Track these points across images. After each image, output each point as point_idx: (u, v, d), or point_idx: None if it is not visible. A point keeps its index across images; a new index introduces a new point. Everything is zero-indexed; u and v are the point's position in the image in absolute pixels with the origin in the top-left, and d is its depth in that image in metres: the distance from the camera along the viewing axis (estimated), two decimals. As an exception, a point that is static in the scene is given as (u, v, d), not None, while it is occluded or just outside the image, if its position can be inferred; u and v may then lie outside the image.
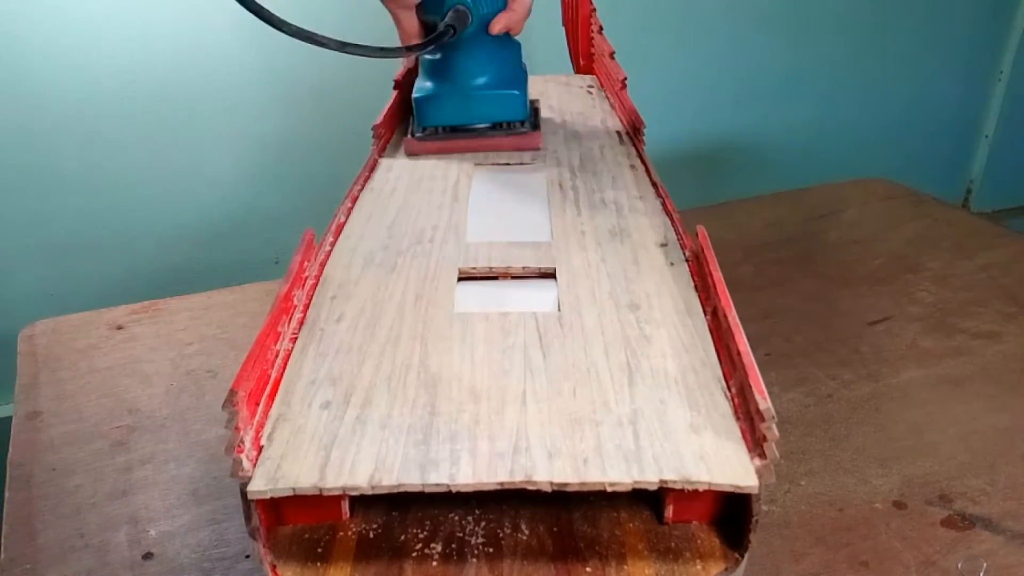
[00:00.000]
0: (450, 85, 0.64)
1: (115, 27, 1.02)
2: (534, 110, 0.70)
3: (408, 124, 0.68)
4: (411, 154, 0.64)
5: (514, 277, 0.48)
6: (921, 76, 1.58)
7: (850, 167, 1.12)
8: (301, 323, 0.42)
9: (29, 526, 0.50)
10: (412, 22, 0.61)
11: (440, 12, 0.60)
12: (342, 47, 0.52)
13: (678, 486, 0.32)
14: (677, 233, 0.51)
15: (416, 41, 0.62)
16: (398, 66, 0.76)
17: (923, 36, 1.54)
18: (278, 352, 0.39)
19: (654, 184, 0.58)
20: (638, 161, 0.62)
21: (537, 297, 0.45)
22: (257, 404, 0.35)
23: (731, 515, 0.35)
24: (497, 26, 0.62)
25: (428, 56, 0.65)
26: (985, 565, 0.46)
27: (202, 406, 0.61)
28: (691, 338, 0.41)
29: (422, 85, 0.65)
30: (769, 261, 0.81)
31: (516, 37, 0.66)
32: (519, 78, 0.66)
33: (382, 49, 0.55)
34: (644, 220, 0.53)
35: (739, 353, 0.36)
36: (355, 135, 0.73)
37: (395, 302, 0.44)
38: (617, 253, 0.49)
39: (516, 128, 0.65)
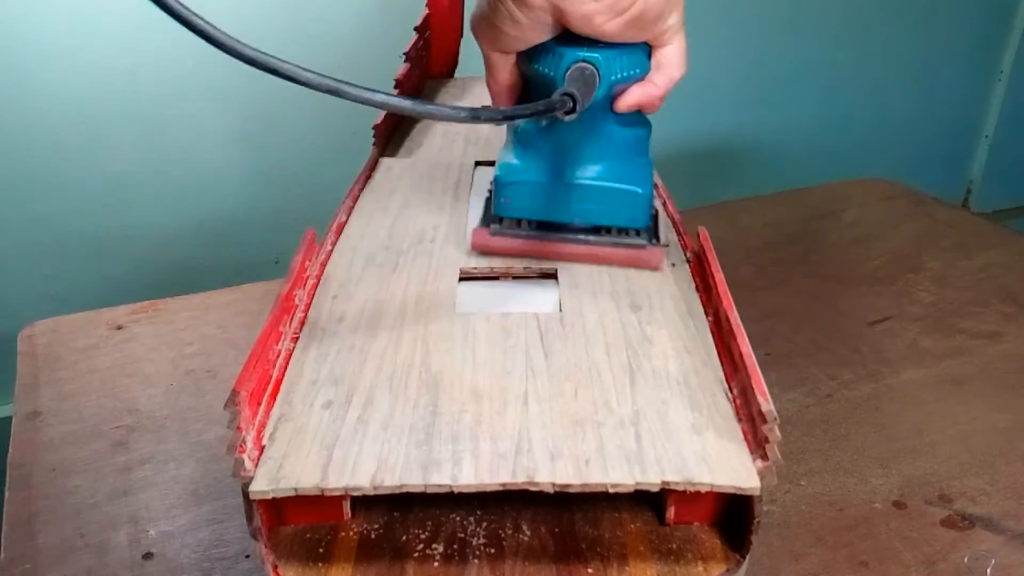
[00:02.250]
0: (550, 168, 0.48)
1: (115, 27, 1.02)
2: (655, 215, 0.51)
3: (406, 125, 0.67)
4: (481, 251, 0.49)
5: (515, 277, 0.48)
6: (921, 76, 1.58)
7: (850, 167, 1.12)
8: (302, 323, 0.42)
9: (29, 526, 0.50)
10: (507, 71, 0.45)
11: (553, 67, 0.42)
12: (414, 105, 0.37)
13: (680, 487, 0.32)
14: (678, 234, 0.51)
15: (506, 96, 0.46)
16: (398, 65, 0.75)
17: (923, 36, 1.54)
18: (280, 352, 0.39)
19: (654, 184, 0.58)
20: (639, 161, 0.62)
21: (538, 297, 0.45)
22: (259, 404, 0.35)
23: (733, 516, 0.35)
24: (627, 101, 0.45)
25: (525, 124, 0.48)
26: (993, 561, 0.46)
27: (202, 406, 0.61)
28: (693, 339, 0.41)
29: (507, 159, 0.49)
30: (769, 261, 0.81)
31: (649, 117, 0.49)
32: (645, 172, 0.49)
33: (454, 109, 0.37)
34: (645, 220, 0.53)
35: (741, 354, 0.36)
36: (355, 135, 0.73)
37: (396, 302, 0.44)
38: (618, 253, 0.49)
39: (629, 237, 0.48)
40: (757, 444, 0.33)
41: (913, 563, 0.47)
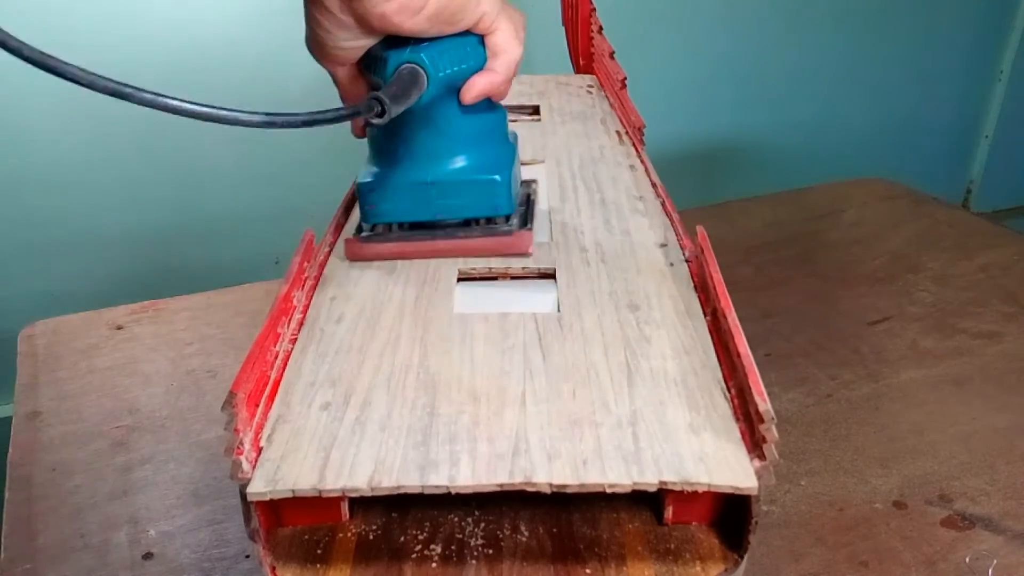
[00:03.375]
0: (406, 170, 0.47)
1: (115, 26, 1.02)
2: (526, 198, 0.52)
3: None
4: (353, 259, 0.49)
5: (513, 278, 0.48)
6: (921, 76, 1.58)
7: (850, 167, 1.12)
8: (301, 324, 0.42)
9: (29, 526, 0.50)
10: (352, 82, 0.46)
11: (381, 72, 0.43)
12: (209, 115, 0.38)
13: (678, 487, 0.32)
14: (677, 233, 0.51)
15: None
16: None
17: (923, 36, 1.54)
18: (278, 353, 0.39)
19: (654, 184, 0.58)
20: (638, 161, 0.62)
21: (537, 298, 0.45)
22: (256, 405, 0.35)
23: (731, 516, 0.35)
24: (471, 93, 0.45)
25: (376, 128, 0.47)
26: (995, 561, 0.46)
27: (202, 406, 0.61)
28: (691, 339, 0.41)
29: (368, 168, 0.49)
30: (769, 261, 0.81)
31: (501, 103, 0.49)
32: (503, 159, 0.49)
33: (250, 114, 0.37)
34: (644, 220, 0.53)
35: (739, 354, 0.36)
36: (355, 136, 0.73)
37: (395, 303, 0.44)
38: (617, 254, 0.49)
39: (498, 226, 0.48)
40: (754, 444, 0.33)
41: (913, 563, 0.47)
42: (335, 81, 0.46)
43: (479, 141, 0.48)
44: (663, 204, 0.55)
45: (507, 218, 0.49)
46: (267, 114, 0.37)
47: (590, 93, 0.80)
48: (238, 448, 0.31)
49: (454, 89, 0.45)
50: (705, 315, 0.43)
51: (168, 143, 1.10)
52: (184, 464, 0.55)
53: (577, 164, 0.62)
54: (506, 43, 0.45)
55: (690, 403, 0.36)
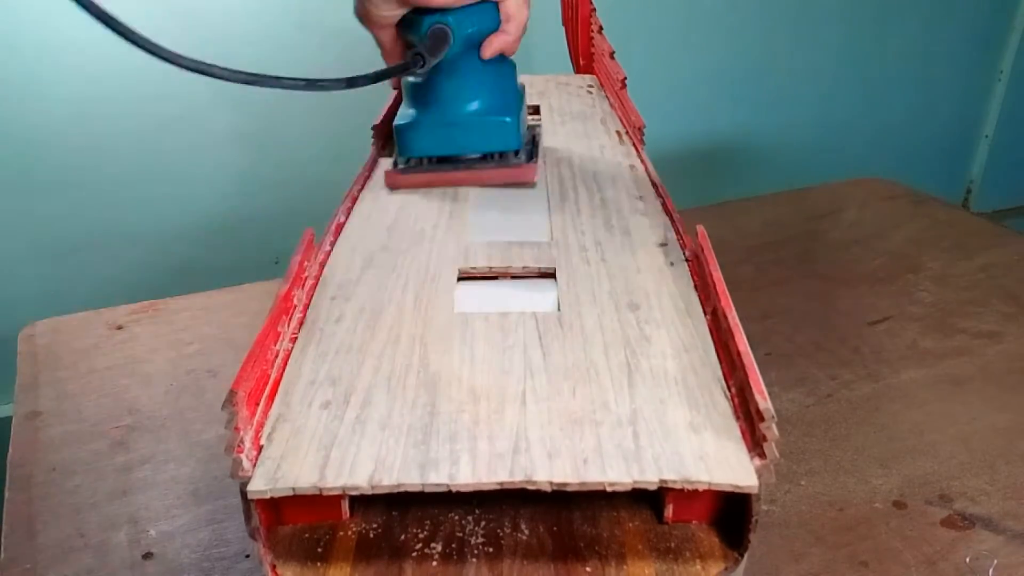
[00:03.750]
0: (435, 112, 0.58)
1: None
2: (532, 138, 0.64)
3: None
4: (393, 187, 0.58)
5: (514, 277, 0.48)
6: (921, 76, 1.58)
7: (850, 167, 1.12)
8: (301, 323, 0.42)
9: (29, 526, 0.50)
10: (393, 43, 0.55)
11: (419, 32, 0.53)
12: (276, 81, 0.45)
13: (678, 486, 0.32)
14: (677, 233, 0.51)
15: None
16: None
17: (923, 36, 1.54)
18: (278, 352, 0.39)
19: (654, 184, 0.58)
20: (638, 161, 0.62)
21: (537, 297, 0.45)
22: (257, 404, 0.35)
23: (731, 515, 0.35)
24: (489, 50, 0.56)
25: (412, 80, 0.58)
26: (996, 561, 0.46)
27: (202, 406, 0.61)
28: (691, 338, 0.41)
29: (405, 112, 0.59)
30: (769, 261, 0.81)
31: (512, 57, 0.59)
32: (512, 104, 0.59)
33: (310, 82, 0.46)
34: (644, 220, 0.53)
35: (739, 353, 0.36)
36: (355, 135, 0.73)
37: (395, 302, 0.44)
38: (617, 253, 0.49)
39: (509, 159, 0.59)
40: (755, 442, 0.33)
41: (913, 563, 0.47)
42: (379, 43, 0.56)
43: (494, 89, 0.58)
44: (663, 204, 0.55)
45: (516, 153, 0.59)
46: (309, 80, 0.46)
47: (590, 93, 0.80)
48: (238, 446, 0.31)
49: (474, 46, 0.55)
50: (705, 314, 0.43)
51: (168, 143, 1.10)
52: (184, 464, 0.55)
53: (577, 164, 0.62)
54: (517, 8, 0.55)
55: (690, 402, 0.36)
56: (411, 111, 0.58)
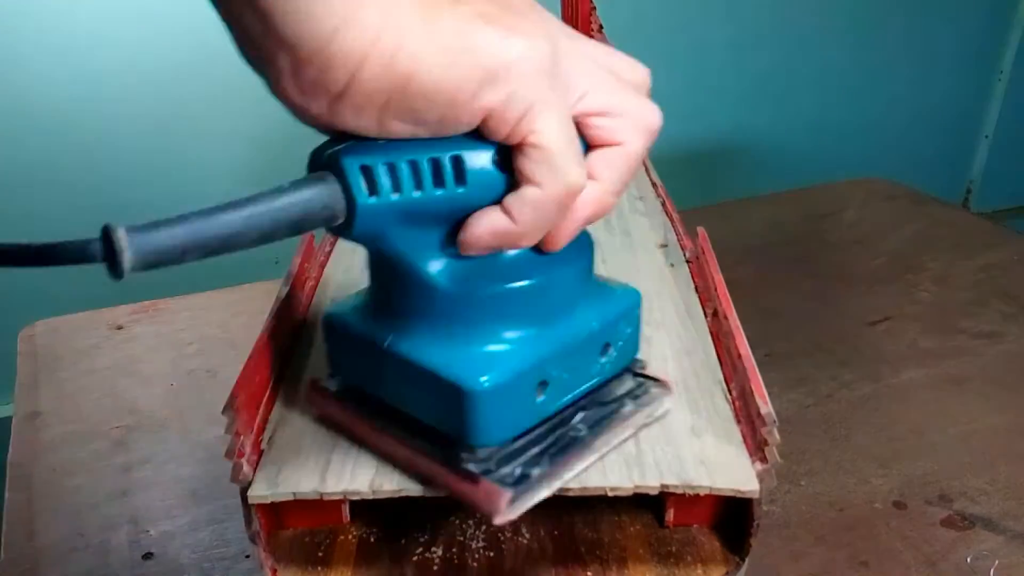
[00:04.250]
0: (375, 317, 0.32)
1: (115, 27, 1.02)
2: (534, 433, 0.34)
3: None
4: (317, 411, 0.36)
5: None
6: (921, 76, 1.58)
7: (850, 167, 1.12)
8: (302, 324, 0.42)
9: (29, 526, 0.50)
10: None
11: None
12: None
13: (679, 490, 0.31)
14: (677, 234, 0.51)
15: None
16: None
17: (923, 36, 1.54)
18: (279, 354, 0.39)
19: (654, 184, 0.58)
20: (638, 161, 0.62)
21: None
22: (257, 408, 0.35)
23: (732, 518, 0.35)
24: (466, 235, 0.28)
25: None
26: (997, 562, 0.46)
27: (202, 406, 0.61)
28: (692, 340, 0.41)
29: (346, 299, 0.34)
30: (769, 261, 0.81)
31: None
32: (494, 356, 0.29)
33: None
34: (644, 220, 0.53)
35: (740, 356, 0.36)
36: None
37: (395, 304, 0.44)
38: (617, 254, 0.49)
39: (461, 458, 0.30)
40: (756, 447, 0.33)
41: (913, 563, 0.47)
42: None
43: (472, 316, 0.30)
44: (663, 204, 0.55)
45: (472, 450, 0.31)
46: None
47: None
48: (239, 451, 0.31)
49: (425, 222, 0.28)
50: (706, 316, 0.43)
51: (168, 143, 1.10)
52: (184, 464, 0.55)
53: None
54: (550, 152, 0.26)
55: (691, 405, 0.36)
56: (349, 301, 0.33)
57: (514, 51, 0.24)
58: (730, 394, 0.37)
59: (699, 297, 0.45)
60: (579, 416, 0.32)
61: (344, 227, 0.27)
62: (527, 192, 0.26)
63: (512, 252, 0.29)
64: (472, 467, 0.29)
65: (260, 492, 0.31)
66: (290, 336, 0.41)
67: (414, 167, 0.26)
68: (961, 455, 0.55)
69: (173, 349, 0.68)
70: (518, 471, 0.30)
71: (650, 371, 0.35)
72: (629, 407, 0.33)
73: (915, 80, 1.57)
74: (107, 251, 0.24)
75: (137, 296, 0.76)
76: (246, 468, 0.31)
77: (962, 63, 1.61)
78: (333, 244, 0.51)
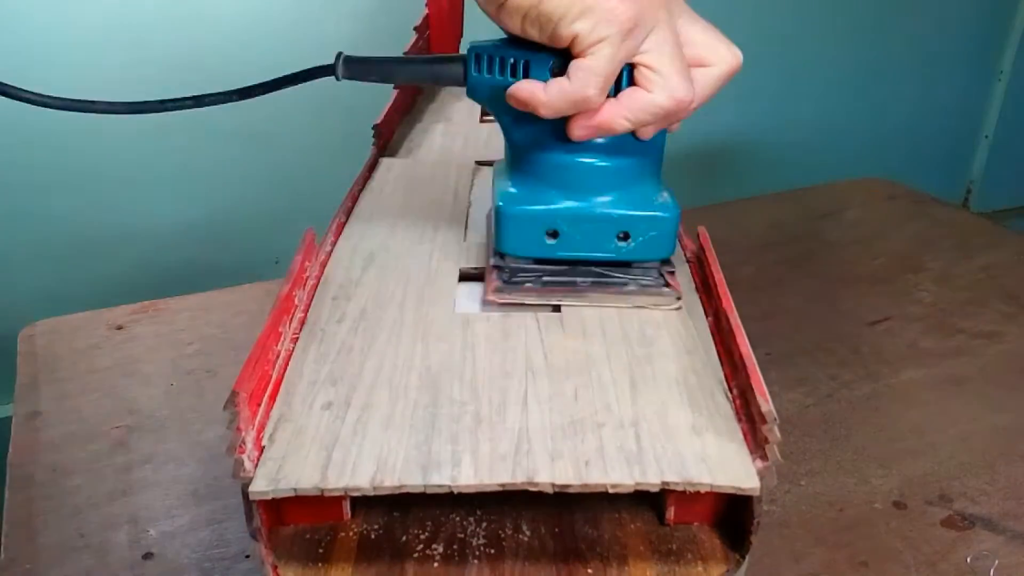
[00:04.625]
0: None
1: (115, 26, 1.02)
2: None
3: (406, 125, 0.66)
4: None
5: None
6: (921, 76, 1.58)
7: (850, 167, 1.12)
8: (302, 324, 0.42)
9: (29, 526, 0.50)
10: None
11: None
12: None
13: (680, 488, 0.32)
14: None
15: None
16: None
17: (923, 36, 1.54)
18: (279, 353, 0.39)
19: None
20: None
21: (538, 298, 0.45)
22: (258, 405, 0.35)
23: (733, 516, 0.35)
24: (512, 96, 0.40)
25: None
26: (997, 562, 0.46)
27: (202, 406, 0.61)
28: (692, 339, 0.41)
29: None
30: (770, 261, 0.81)
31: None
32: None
33: (197, 99, 0.48)
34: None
35: (741, 355, 0.36)
36: (355, 135, 0.73)
37: (396, 302, 0.44)
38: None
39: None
40: (757, 444, 0.33)
41: (913, 563, 0.47)
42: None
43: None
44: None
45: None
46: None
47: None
48: (240, 447, 0.31)
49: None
50: (707, 315, 0.43)
51: (168, 143, 1.10)
52: (184, 464, 0.55)
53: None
54: (589, 69, 0.37)
55: (692, 403, 0.36)
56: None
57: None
58: (731, 392, 0.37)
59: (700, 297, 0.45)
60: (589, 273, 0.44)
61: (467, 89, 0.42)
62: (571, 79, 0.38)
63: (555, 137, 0.41)
64: (494, 261, 0.44)
65: (261, 488, 0.31)
66: (291, 335, 0.41)
67: (502, 61, 0.40)
68: (961, 455, 0.55)
69: (173, 349, 0.68)
70: (518, 278, 0.44)
71: (672, 282, 0.43)
72: (632, 288, 0.43)
73: (915, 80, 1.57)
74: (335, 66, 0.42)
75: (137, 296, 0.76)
76: (247, 464, 0.31)
77: (962, 63, 1.61)
78: (333, 244, 0.51)
